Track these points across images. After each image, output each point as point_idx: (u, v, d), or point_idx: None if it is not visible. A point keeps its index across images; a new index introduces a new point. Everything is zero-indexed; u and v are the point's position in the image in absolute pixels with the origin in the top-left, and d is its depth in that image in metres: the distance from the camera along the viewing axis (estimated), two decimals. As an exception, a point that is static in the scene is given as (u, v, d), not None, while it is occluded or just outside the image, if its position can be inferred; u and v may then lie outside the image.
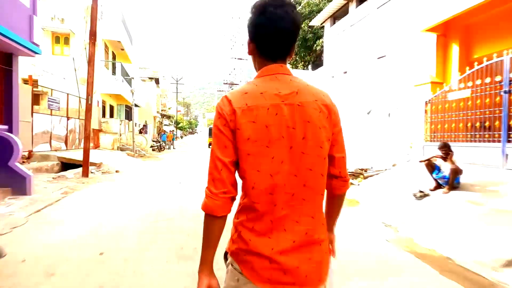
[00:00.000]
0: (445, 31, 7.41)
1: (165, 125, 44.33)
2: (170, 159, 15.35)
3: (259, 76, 0.99)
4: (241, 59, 21.42)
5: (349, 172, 7.36)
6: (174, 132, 24.84)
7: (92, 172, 9.12)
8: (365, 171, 7.62)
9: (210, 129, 26.12)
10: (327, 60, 13.54)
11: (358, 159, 9.72)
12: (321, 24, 14.24)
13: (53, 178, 7.31)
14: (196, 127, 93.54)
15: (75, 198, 5.70)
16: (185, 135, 66.11)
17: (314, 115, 0.92)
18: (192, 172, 10.05)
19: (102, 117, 17.46)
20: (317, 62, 19.41)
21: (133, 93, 15.80)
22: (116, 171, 9.73)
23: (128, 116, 23.85)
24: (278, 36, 0.94)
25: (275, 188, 0.90)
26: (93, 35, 7.89)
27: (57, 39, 16.31)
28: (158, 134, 22.02)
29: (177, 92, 41.62)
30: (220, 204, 0.91)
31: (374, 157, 9.28)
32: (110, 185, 7.09)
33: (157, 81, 36.77)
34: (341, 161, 1.02)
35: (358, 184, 6.31)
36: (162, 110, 45.19)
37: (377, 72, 9.96)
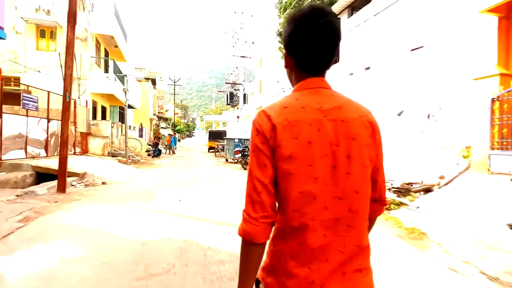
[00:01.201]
0: (510, 12, 5.98)
1: (162, 127, 42.73)
2: (168, 166, 13.77)
3: (297, 89, 0.92)
4: (244, 57, 19.96)
5: (394, 187, 5.87)
6: (175, 136, 22.92)
7: (72, 185, 7.57)
8: (411, 185, 6.13)
9: (210, 132, 24.63)
10: (344, 55, 12.10)
11: (388, 170, 8.26)
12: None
13: (17, 196, 5.74)
14: (193, 130, 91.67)
15: (34, 230, 4.13)
16: (182, 138, 64.47)
17: (359, 132, 0.85)
18: (194, 184, 8.50)
19: (93, 119, 15.89)
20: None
21: (125, 92, 14.23)
22: (103, 183, 8.17)
23: (123, 118, 22.24)
24: (319, 49, 0.87)
25: (318, 212, 0.82)
26: (72, 16, 6.37)
27: (42, 33, 14.76)
28: (155, 137, 20.37)
29: (174, 94, 40.02)
30: (260, 229, 0.83)
31: (410, 167, 7.82)
32: (89, 207, 5.52)
33: (153, 82, 35.20)
34: (383, 185, 0.97)
35: (418, 207, 4.79)
36: (159, 112, 43.62)
37: (411, 66, 8.53)
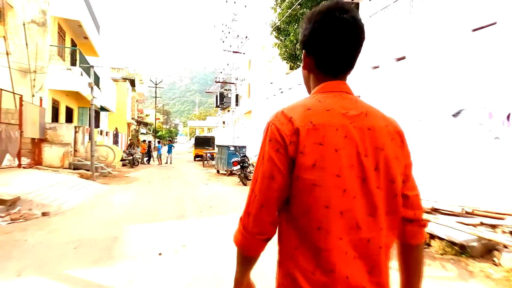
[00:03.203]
0: None
1: (141, 133, 39.37)
2: (146, 181, 11.01)
3: (319, 91, 0.81)
4: (236, 52, 17.60)
5: (507, 228, 3.61)
6: (171, 144, 19.99)
7: (-11, 221, 4.81)
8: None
9: (196, 139, 21.98)
10: (365, 46, 10.01)
11: (445, 191, 6.15)
12: (353, 0, 10.79)
13: None
14: (176, 136, 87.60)
15: None
16: (164, 144, 60.81)
17: (387, 142, 0.76)
18: (182, 214, 5.93)
19: (53, 121, 12.93)
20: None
21: (92, 88, 11.39)
22: (43, 214, 5.44)
23: (96, 122, 19.11)
24: (342, 46, 0.78)
25: (346, 231, 0.71)
26: None
27: (-14, 14, 11.76)
28: (130, 145, 17.43)
29: (156, 96, 36.90)
30: (253, 244, 0.76)
31: (481, 187, 5.70)
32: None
33: (132, 83, 32.05)
34: (416, 200, 0.83)
35: None
36: (138, 117, 40.25)
37: (472, 51, 6.47)
